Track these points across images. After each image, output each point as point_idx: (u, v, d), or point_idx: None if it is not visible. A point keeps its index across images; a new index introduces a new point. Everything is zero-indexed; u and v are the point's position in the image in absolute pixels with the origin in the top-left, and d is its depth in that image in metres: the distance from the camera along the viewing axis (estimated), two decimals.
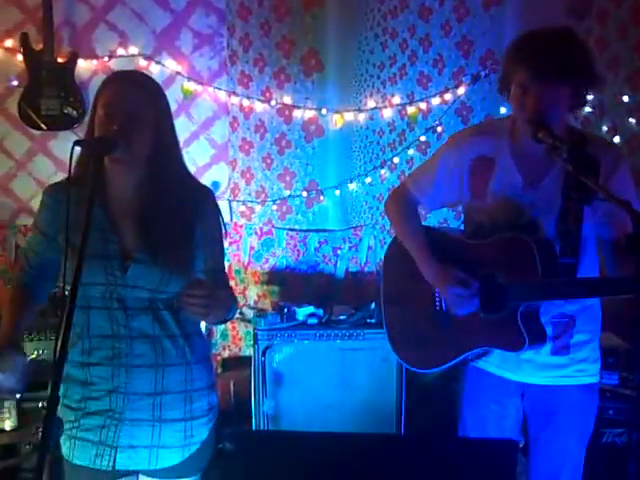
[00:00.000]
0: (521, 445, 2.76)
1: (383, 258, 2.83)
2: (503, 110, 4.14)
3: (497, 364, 2.52)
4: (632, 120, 4.56)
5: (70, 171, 2.03)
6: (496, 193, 2.43)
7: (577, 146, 2.29)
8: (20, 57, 4.28)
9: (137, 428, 2.13)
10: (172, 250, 2.12)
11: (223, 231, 2.27)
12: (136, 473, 2.20)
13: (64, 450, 2.12)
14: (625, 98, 4.53)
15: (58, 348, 1.65)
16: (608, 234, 2.37)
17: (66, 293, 1.80)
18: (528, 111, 2.27)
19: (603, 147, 2.40)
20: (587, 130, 3.88)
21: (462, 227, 2.69)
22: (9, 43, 4.31)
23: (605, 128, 4.56)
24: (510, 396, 2.54)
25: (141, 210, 2.14)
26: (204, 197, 2.26)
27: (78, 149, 1.99)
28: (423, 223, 2.70)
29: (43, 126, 4.29)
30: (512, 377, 2.51)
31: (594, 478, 3.05)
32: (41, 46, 4.24)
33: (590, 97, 4.27)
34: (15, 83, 4.34)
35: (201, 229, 2.19)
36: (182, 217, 2.15)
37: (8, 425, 3.19)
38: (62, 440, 2.08)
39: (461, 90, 4.47)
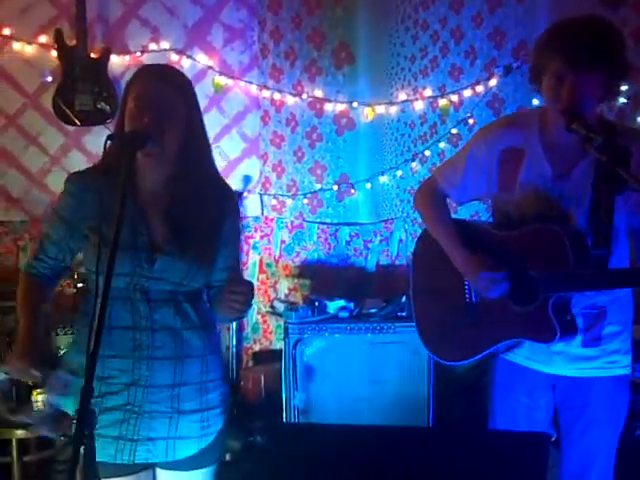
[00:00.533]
0: (553, 439, 2.75)
1: (413, 251, 2.84)
2: (535, 102, 4.10)
3: (527, 356, 2.51)
4: None
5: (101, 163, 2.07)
6: (525, 185, 2.42)
7: (610, 137, 2.26)
8: (54, 53, 4.32)
9: (155, 420, 2.14)
10: (200, 245, 2.15)
11: (242, 232, 2.30)
12: (153, 467, 2.21)
13: None
14: None
15: (92, 340, 1.67)
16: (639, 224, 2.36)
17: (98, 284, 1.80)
18: (562, 101, 2.26)
19: (635, 138, 2.37)
20: (620, 121, 3.86)
21: (491, 220, 2.68)
22: (43, 39, 4.35)
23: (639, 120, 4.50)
24: (541, 388, 2.53)
25: (170, 204, 2.16)
26: (230, 197, 2.30)
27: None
28: (453, 216, 2.70)
29: (77, 121, 4.33)
30: (543, 369, 2.50)
31: (626, 472, 3.02)
32: (74, 42, 4.28)
33: (624, 88, 4.26)
34: (49, 79, 4.37)
35: (226, 228, 2.23)
36: (210, 214, 2.18)
37: None
38: None
39: (493, 82, 4.43)
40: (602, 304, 2.41)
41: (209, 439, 2.22)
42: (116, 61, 4.41)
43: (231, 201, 2.30)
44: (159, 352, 2.13)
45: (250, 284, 2.07)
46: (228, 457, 3.81)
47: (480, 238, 2.55)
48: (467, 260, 2.49)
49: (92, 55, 4.33)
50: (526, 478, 1.71)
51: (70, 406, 2.12)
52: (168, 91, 2.11)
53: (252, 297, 2.07)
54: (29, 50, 4.35)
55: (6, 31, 4.31)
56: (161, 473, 2.23)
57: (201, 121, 2.20)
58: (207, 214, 2.17)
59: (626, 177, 2.13)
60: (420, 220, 4.31)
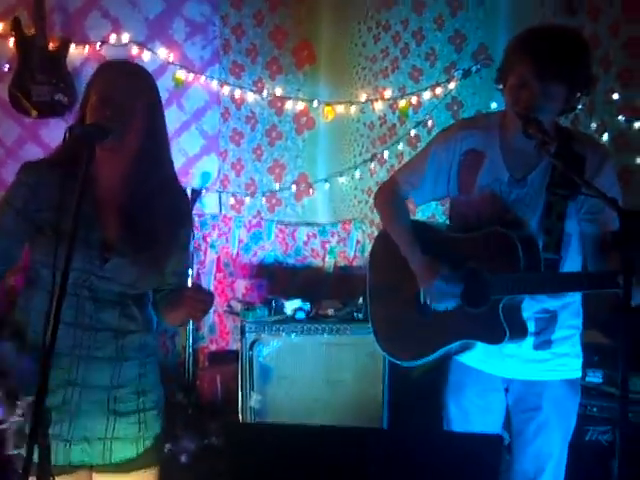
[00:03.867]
0: (505, 443, 2.79)
1: (370, 251, 2.86)
2: (494, 105, 4.16)
3: (480, 358, 2.55)
4: (621, 118, 4.58)
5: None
6: (483, 187, 2.46)
7: (565, 143, 2.33)
8: (11, 42, 4.24)
9: (91, 421, 2.11)
10: (154, 249, 2.12)
11: (193, 236, 2.31)
12: (89, 469, 2.17)
13: None
14: (615, 96, 4.54)
15: (48, 335, 1.65)
16: (591, 231, 2.39)
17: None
18: (521, 105, 2.30)
19: (590, 145, 2.44)
20: (575, 128, 3.92)
21: (448, 222, 2.72)
22: (0, 27, 4.27)
23: (594, 125, 4.57)
24: (493, 391, 2.57)
25: (126, 203, 2.13)
26: (185, 201, 2.32)
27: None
28: (411, 217, 2.73)
29: (34, 112, 4.26)
30: (496, 372, 2.54)
31: (577, 475, 3.08)
32: (33, 31, 4.21)
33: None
34: (6, 68, 4.30)
35: (180, 232, 2.22)
36: (166, 217, 2.16)
37: None
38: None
39: (452, 84, 4.47)
40: (553, 308, 2.46)
41: (147, 442, 2.20)
42: (75, 52, 4.35)
43: (186, 206, 2.30)
44: (99, 352, 2.10)
45: (211, 293, 2.09)
46: (184, 458, 3.79)
47: (436, 239, 2.58)
48: (424, 265, 2.52)
49: (51, 45, 4.26)
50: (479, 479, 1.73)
51: None
52: (132, 87, 2.09)
53: (211, 306, 2.08)
54: None
55: None
56: (98, 477, 2.19)
57: (163, 120, 2.18)
58: (163, 217, 2.15)
59: (579, 183, 2.19)
60: (378, 221, 4.37)
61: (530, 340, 2.44)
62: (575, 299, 2.50)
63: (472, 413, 2.59)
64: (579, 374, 2.56)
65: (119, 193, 2.14)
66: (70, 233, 1.74)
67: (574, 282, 2.34)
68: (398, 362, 2.73)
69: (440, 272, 2.46)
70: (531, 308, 2.43)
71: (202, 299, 2.05)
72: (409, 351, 2.66)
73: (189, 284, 2.34)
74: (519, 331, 2.39)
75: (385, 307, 2.75)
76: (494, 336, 2.38)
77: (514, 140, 2.39)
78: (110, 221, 2.12)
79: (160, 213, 2.14)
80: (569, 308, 2.48)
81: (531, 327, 2.43)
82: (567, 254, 2.39)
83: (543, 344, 2.47)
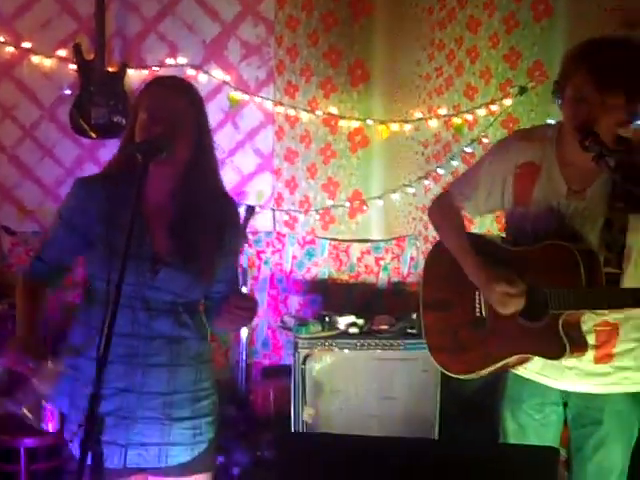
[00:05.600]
0: (563, 458, 2.73)
1: (424, 264, 2.83)
2: (550, 122, 4.10)
3: (538, 371, 2.50)
4: None
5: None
6: (539, 201, 2.41)
7: (625, 154, 2.24)
8: (72, 67, 4.37)
9: (148, 426, 2.15)
10: (202, 257, 2.16)
11: (242, 244, 2.33)
12: (144, 473, 2.21)
13: None
14: None
15: (102, 346, 1.69)
16: None
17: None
18: (579, 119, 2.24)
19: None
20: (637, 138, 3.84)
21: (503, 235, 2.68)
22: (62, 52, 4.39)
23: None
24: (552, 404, 2.52)
25: (175, 216, 2.17)
26: (233, 209, 2.32)
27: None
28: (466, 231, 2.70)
29: (92, 134, 4.37)
30: (554, 384, 2.48)
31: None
32: (93, 56, 4.33)
33: None
34: (67, 92, 4.42)
35: (228, 240, 2.24)
36: (213, 226, 2.19)
37: (50, 427, 3.22)
38: None
39: (507, 102, 4.44)
40: (614, 321, 2.39)
41: (201, 447, 2.23)
42: (133, 75, 4.44)
43: (234, 214, 2.30)
44: (154, 359, 2.14)
45: (255, 300, 2.14)
46: (236, 471, 3.80)
47: (492, 252, 2.53)
48: (482, 271, 2.47)
49: (110, 69, 4.37)
50: None
51: (65, 406, 2.14)
52: (180, 103, 2.13)
53: (255, 313, 2.12)
54: (48, 63, 4.40)
55: (26, 44, 4.36)
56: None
57: (210, 134, 2.22)
58: (211, 226, 2.19)
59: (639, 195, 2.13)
60: (432, 238, 4.35)
61: (591, 353, 2.38)
62: (638, 312, 2.38)
63: (529, 427, 2.53)
64: None
65: (167, 206, 2.18)
66: (124, 248, 1.78)
67: (637, 298, 2.25)
68: (453, 375, 2.68)
69: (502, 275, 2.40)
70: (591, 321, 2.37)
71: (244, 306, 2.09)
72: (465, 365, 2.61)
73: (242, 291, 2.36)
74: (579, 345, 2.34)
75: (439, 320, 2.72)
76: (553, 351, 2.32)
77: (572, 153, 2.34)
78: (159, 234, 2.17)
79: (207, 222, 2.18)
80: (631, 321, 2.41)
81: (591, 340, 2.37)
82: (629, 268, 2.33)
83: (604, 357, 2.41)
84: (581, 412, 2.49)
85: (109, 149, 4.42)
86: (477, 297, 2.56)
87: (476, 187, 2.56)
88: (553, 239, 2.34)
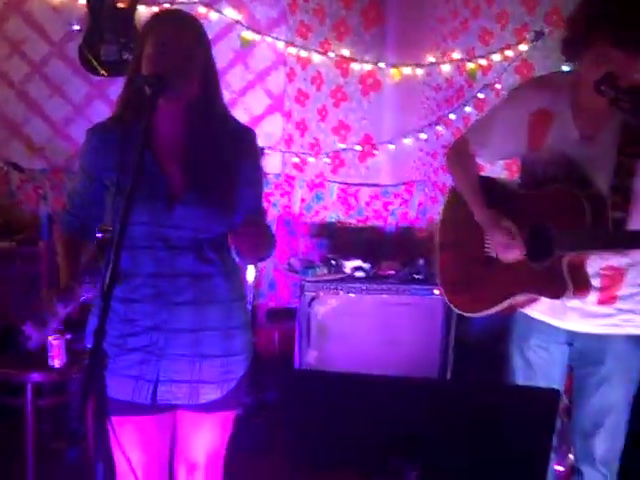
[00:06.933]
0: (564, 405, 2.77)
1: (443, 207, 2.86)
2: (564, 69, 4.04)
3: (544, 311, 2.53)
4: None
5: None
6: (553, 146, 2.43)
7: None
8: (82, 1, 4.31)
9: (177, 363, 2.15)
10: (218, 190, 2.13)
11: (263, 171, 2.30)
12: (174, 409, 2.24)
13: None
14: None
15: (106, 284, 1.68)
16: None
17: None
18: (603, 76, 2.21)
19: None
20: None
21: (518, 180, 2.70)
22: None
23: None
24: (557, 343, 2.56)
25: (188, 150, 2.15)
26: (248, 138, 2.27)
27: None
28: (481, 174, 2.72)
29: (102, 71, 4.32)
30: (559, 324, 2.52)
31: None
32: None
33: None
34: (76, 28, 4.37)
35: (245, 169, 2.21)
36: (228, 158, 2.17)
37: (57, 363, 3.26)
38: None
39: (523, 47, 4.36)
40: (619, 265, 2.42)
41: (231, 384, 2.23)
42: (144, 12, 4.37)
43: (250, 143, 2.26)
44: (181, 297, 2.13)
45: (264, 225, 2.08)
46: (240, 412, 3.83)
47: (504, 195, 2.58)
48: (487, 217, 2.52)
49: (120, 5, 4.31)
50: (534, 432, 1.72)
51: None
52: (189, 36, 2.10)
53: (268, 239, 2.07)
54: None
55: None
56: (183, 415, 2.25)
57: (214, 64, 2.19)
58: (225, 158, 2.16)
59: None
60: (441, 184, 4.34)
61: (594, 295, 2.42)
62: None
63: (536, 365, 2.57)
64: None
65: (179, 140, 2.15)
66: (131, 185, 1.76)
67: (632, 238, 2.29)
68: (463, 313, 2.73)
69: (502, 224, 2.45)
70: (596, 264, 2.39)
71: (255, 232, 2.02)
72: (475, 302, 2.65)
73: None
74: (582, 287, 2.36)
75: (452, 259, 2.77)
76: (557, 291, 2.35)
77: (585, 99, 2.33)
78: (173, 170, 2.14)
79: (219, 154, 2.16)
80: (638, 266, 2.42)
81: (595, 283, 2.40)
82: (635, 212, 2.32)
83: (608, 299, 2.44)
84: (584, 352, 2.53)
85: (119, 87, 4.35)
86: (486, 238, 2.61)
87: (491, 133, 2.58)
88: (563, 183, 2.36)
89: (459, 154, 2.69)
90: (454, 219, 2.77)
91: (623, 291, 2.44)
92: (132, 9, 4.33)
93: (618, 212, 2.29)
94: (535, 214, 2.43)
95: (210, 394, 2.20)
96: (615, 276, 2.43)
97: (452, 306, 2.77)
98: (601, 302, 2.44)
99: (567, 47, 2.34)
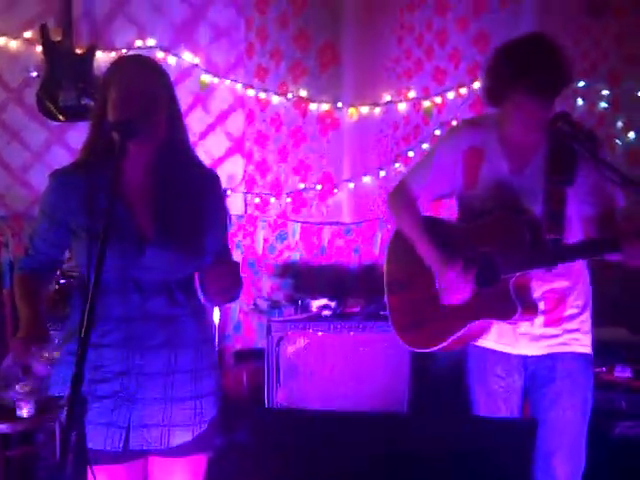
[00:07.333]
0: None
1: (387, 246, 2.98)
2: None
3: (496, 340, 2.65)
4: None
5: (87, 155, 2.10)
6: (486, 180, 2.61)
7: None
8: (39, 48, 4.30)
9: (149, 407, 2.14)
10: (188, 232, 2.15)
11: (228, 213, 2.35)
12: (146, 455, 2.21)
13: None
14: None
15: (83, 330, 1.68)
16: (591, 211, 2.56)
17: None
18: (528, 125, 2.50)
19: None
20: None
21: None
22: (28, 34, 4.34)
23: (620, 124, 4.58)
24: (513, 370, 2.66)
25: (157, 193, 2.16)
26: (214, 181, 2.31)
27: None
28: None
29: (61, 117, 4.31)
30: (512, 351, 2.64)
31: (604, 470, 3.07)
32: (60, 37, 4.27)
33: (605, 92, 4.42)
34: (34, 74, 4.36)
35: (211, 212, 2.23)
36: (195, 200, 2.19)
37: (25, 412, 3.20)
38: None
39: (477, 84, 4.47)
40: (561, 288, 2.59)
41: (203, 427, 2.23)
42: (102, 57, 4.39)
43: (215, 185, 2.30)
44: (152, 340, 2.13)
45: (235, 263, 2.09)
46: (210, 454, 3.79)
47: (447, 231, 2.73)
48: (437, 256, 2.64)
49: (77, 51, 4.32)
50: (513, 464, 1.72)
51: (64, 391, 2.13)
52: (153, 80, 2.13)
53: (239, 278, 2.08)
54: (14, 45, 4.35)
55: None
56: (154, 461, 2.23)
57: (179, 107, 2.22)
58: (193, 201, 2.19)
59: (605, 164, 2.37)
60: None
61: (541, 318, 2.57)
62: (582, 279, 2.64)
63: (496, 394, 2.67)
64: (590, 350, 2.66)
65: (147, 184, 2.17)
66: (103, 230, 1.77)
67: (577, 251, 2.49)
68: (418, 350, 2.84)
69: (453, 260, 2.58)
70: (540, 289, 2.56)
71: (227, 271, 2.06)
72: (428, 338, 2.75)
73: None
74: (530, 307, 2.53)
75: (401, 299, 2.87)
76: (507, 312, 2.49)
77: (513, 135, 2.55)
78: (142, 213, 2.15)
79: (187, 196, 2.18)
80: (577, 288, 2.62)
81: (541, 306, 2.56)
82: (569, 235, 2.53)
83: (554, 322, 2.60)
84: (536, 374, 2.65)
85: (78, 132, 4.37)
86: (435, 274, 2.70)
87: (429, 174, 2.73)
88: (501, 211, 2.54)
89: (400, 197, 2.81)
90: (400, 259, 2.88)
91: (567, 312, 2.61)
92: (90, 55, 4.33)
93: (553, 234, 2.48)
94: (480, 244, 2.58)
95: (182, 437, 2.19)
96: (558, 299, 2.60)
97: (406, 344, 2.86)
98: (548, 324, 2.60)
99: (488, 96, 2.58)
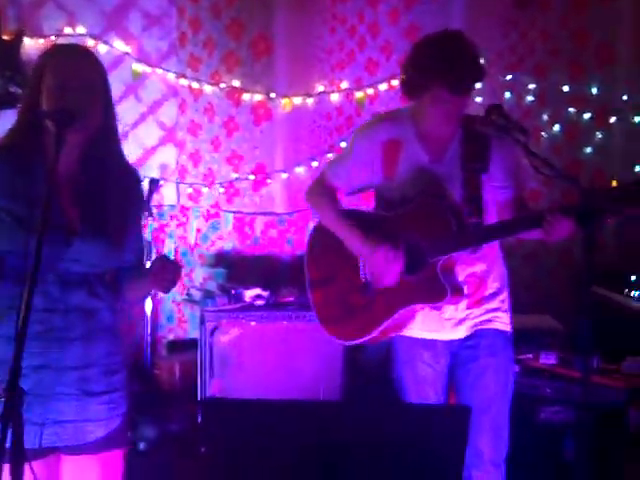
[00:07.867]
0: None
1: (307, 244, 3.02)
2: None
3: (421, 327, 2.72)
4: (571, 109, 4.71)
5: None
6: (406, 171, 2.67)
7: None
8: None
9: (63, 402, 2.10)
10: (114, 227, 2.14)
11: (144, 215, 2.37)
12: (57, 452, 2.15)
13: None
14: (565, 88, 4.67)
15: (20, 321, 1.67)
16: (506, 195, 2.70)
17: None
18: (447, 119, 2.61)
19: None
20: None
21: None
22: None
23: (545, 117, 4.70)
24: (440, 355, 2.74)
25: (84, 184, 2.14)
26: (137, 178, 2.33)
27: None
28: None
29: None
30: (438, 337, 2.72)
31: (530, 455, 3.17)
32: None
33: (532, 86, 4.55)
34: None
35: (132, 210, 2.24)
36: (122, 195, 2.19)
37: None
38: None
39: None
40: (480, 271, 2.70)
41: (117, 421, 2.20)
42: (30, 44, 4.31)
43: (138, 183, 2.32)
44: (71, 333, 2.09)
45: (179, 264, 2.15)
46: (143, 446, 3.79)
47: (369, 222, 2.76)
48: (363, 242, 2.68)
49: (4, 37, 4.23)
50: (447, 450, 1.75)
51: None
52: (86, 67, 2.10)
53: (179, 276, 2.12)
54: None
55: None
56: (68, 460, 2.17)
57: (111, 95, 2.20)
58: (120, 196, 2.17)
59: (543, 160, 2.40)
60: None
61: (464, 302, 2.67)
62: (498, 262, 2.76)
63: (426, 381, 2.73)
64: (510, 329, 2.77)
65: (75, 174, 2.14)
66: (41, 221, 1.76)
67: (501, 229, 2.62)
68: (347, 342, 2.89)
69: (379, 242, 2.63)
70: (463, 272, 2.66)
71: (170, 269, 2.07)
72: (354, 329, 2.78)
73: (150, 261, 2.34)
74: (457, 290, 2.61)
75: (327, 294, 2.88)
76: (438, 295, 2.57)
77: (430, 127, 2.63)
78: (68, 203, 2.12)
79: (115, 192, 2.16)
80: (494, 270, 2.74)
81: (465, 290, 2.65)
82: (487, 217, 2.65)
83: (475, 302, 2.70)
84: (459, 353, 2.73)
85: (5, 120, 4.27)
86: (360, 265, 2.75)
87: (348, 167, 2.78)
88: (422, 197, 2.63)
89: (320, 190, 2.87)
90: (322, 254, 2.92)
91: (487, 292, 2.72)
92: (17, 42, 4.25)
93: (474, 218, 2.59)
94: (404, 231, 2.65)
95: (96, 432, 2.15)
96: (478, 282, 2.71)
97: (334, 337, 2.90)
98: (470, 306, 2.70)
99: (407, 89, 2.65)
